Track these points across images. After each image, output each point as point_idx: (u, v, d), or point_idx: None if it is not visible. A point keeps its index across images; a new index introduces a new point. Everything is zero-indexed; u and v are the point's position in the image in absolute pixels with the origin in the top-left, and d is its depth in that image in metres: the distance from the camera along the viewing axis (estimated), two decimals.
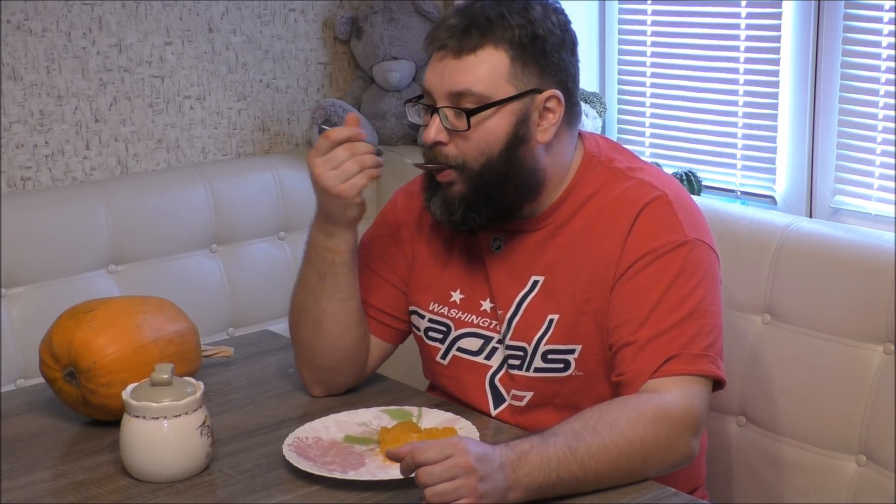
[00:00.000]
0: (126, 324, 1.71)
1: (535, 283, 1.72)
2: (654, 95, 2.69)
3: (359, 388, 1.88)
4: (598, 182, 1.72)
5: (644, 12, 2.67)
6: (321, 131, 1.72)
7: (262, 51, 2.83)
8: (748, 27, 2.45)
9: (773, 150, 2.43)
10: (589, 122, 2.61)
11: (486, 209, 1.68)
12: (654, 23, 2.66)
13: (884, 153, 2.23)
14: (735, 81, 2.49)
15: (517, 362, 1.73)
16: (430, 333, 1.82)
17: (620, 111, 2.77)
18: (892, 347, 1.83)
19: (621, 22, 2.73)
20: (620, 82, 2.76)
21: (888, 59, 2.19)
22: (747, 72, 2.46)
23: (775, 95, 2.40)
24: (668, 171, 2.45)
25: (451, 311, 1.79)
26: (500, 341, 1.75)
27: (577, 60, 1.71)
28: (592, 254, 1.68)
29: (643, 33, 2.69)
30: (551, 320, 1.70)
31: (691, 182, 2.48)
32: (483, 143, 1.65)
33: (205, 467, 1.60)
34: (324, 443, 1.64)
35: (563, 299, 1.69)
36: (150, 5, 2.64)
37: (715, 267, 1.69)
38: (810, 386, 1.92)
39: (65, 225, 2.40)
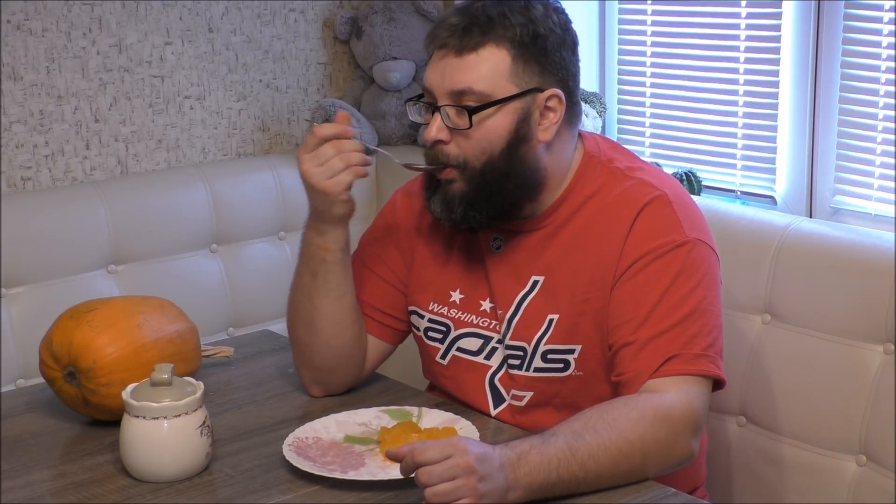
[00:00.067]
0: (126, 324, 1.71)
1: (535, 282, 1.72)
2: (654, 95, 2.69)
3: (359, 388, 1.88)
4: (597, 182, 1.72)
5: (644, 12, 2.67)
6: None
7: (262, 51, 2.83)
8: (748, 27, 2.45)
9: (773, 150, 2.43)
10: (589, 122, 2.61)
11: (488, 208, 1.68)
12: (654, 23, 2.66)
13: (884, 153, 2.23)
14: (735, 81, 2.49)
15: (517, 362, 1.73)
16: (430, 333, 1.82)
17: (620, 111, 2.77)
18: (892, 347, 1.83)
19: (621, 22, 2.73)
20: (620, 82, 2.76)
21: (888, 59, 2.19)
22: (747, 72, 2.46)
23: (775, 95, 2.40)
24: (668, 171, 2.45)
25: (451, 311, 1.80)
26: (500, 341, 1.75)
27: (577, 60, 1.71)
28: (592, 254, 1.68)
29: (643, 33, 2.69)
30: (551, 320, 1.70)
31: (691, 182, 2.48)
32: (485, 141, 1.65)
33: (205, 467, 1.60)
34: (324, 443, 1.64)
35: (563, 299, 1.69)
36: (150, 5, 2.64)
37: (715, 267, 1.69)
38: (810, 386, 1.92)
39: (65, 225, 2.40)
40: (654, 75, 2.68)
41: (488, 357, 1.77)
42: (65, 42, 2.54)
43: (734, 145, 2.52)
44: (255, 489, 1.55)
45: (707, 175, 2.54)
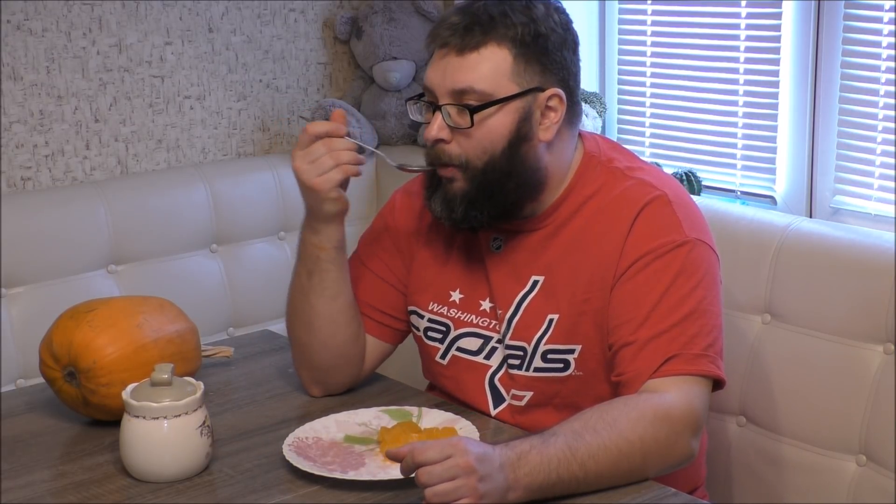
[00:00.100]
0: (126, 324, 1.71)
1: (535, 282, 1.72)
2: (654, 95, 2.69)
3: (359, 388, 1.88)
4: (597, 182, 1.72)
5: (644, 12, 2.67)
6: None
7: (262, 51, 2.83)
8: (748, 27, 2.45)
9: (773, 150, 2.43)
10: (589, 122, 2.61)
11: (489, 207, 1.68)
12: (654, 23, 2.66)
13: (884, 153, 2.23)
14: (735, 81, 2.49)
15: (517, 362, 1.73)
16: (430, 333, 1.82)
17: (620, 111, 2.77)
18: (892, 347, 1.83)
19: (621, 22, 2.73)
20: (620, 82, 2.76)
21: (888, 59, 2.19)
22: (747, 72, 2.46)
23: (775, 95, 2.40)
24: (668, 171, 2.45)
25: (451, 311, 1.79)
26: (500, 341, 1.75)
27: (578, 59, 1.71)
28: (592, 254, 1.68)
29: (643, 33, 2.69)
30: (551, 320, 1.70)
31: (691, 182, 2.48)
32: (486, 140, 1.65)
33: (205, 467, 1.60)
34: (324, 443, 1.64)
35: (563, 299, 1.69)
36: (150, 5, 2.64)
37: (715, 267, 1.69)
38: (810, 386, 1.92)
39: (65, 225, 2.39)
40: (654, 75, 2.68)
41: (488, 357, 1.77)
42: (65, 42, 2.54)
43: (734, 145, 2.52)
44: (255, 489, 1.55)
45: (707, 175, 2.54)
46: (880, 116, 2.22)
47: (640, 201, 1.67)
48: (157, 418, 1.54)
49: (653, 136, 2.70)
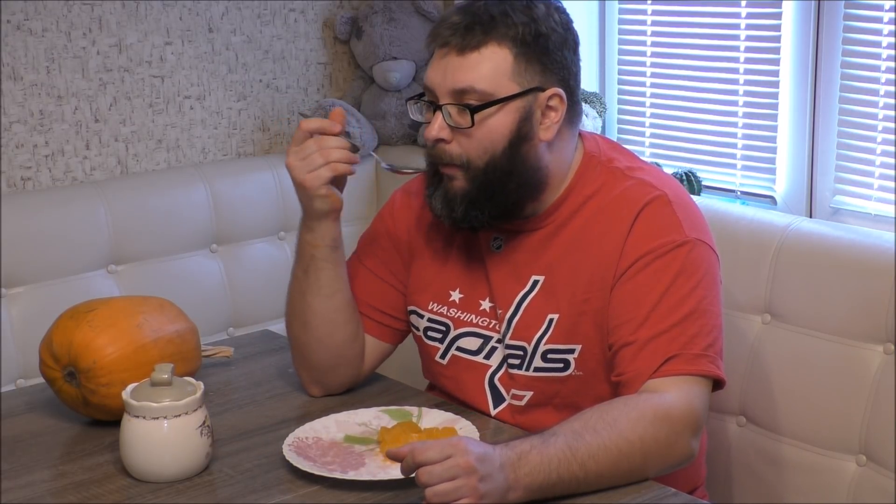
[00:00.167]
0: (126, 324, 1.71)
1: (536, 282, 1.72)
2: (654, 95, 2.69)
3: (358, 388, 1.88)
4: (598, 182, 1.72)
5: (644, 12, 2.67)
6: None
7: (262, 51, 2.83)
8: (748, 27, 2.45)
9: (773, 150, 2.43)
10: (589, 122, 2.61)
11: (490, 207, 1.68)
12: (654, 23, 2.66)
13: (884, 153, 2.23)
14: (735, 81, 2.49)
15: (517, 362, 1.73)
16: (430, 333, 1.82)
17: (620, 111, 2.77)
18: (892, 347, 1.83)
19: (621, 22, 2.73)
20: (620, 82, 2.76)
21: (888, 59, 2.19)
22: (747, 72, 2.46)
23: (775, 95, 2.40)
24: (668, 171, 2.45)
25: (451, 311, 1.79)
26: (500, 341, 1.75)
27: (578, 59, 1.71)
28: (592, 253, 1.68)
29: (643, 33, 2.69)
30: (551, 320, 1.70)
31: (691, 182, 2.48)
32: (487, 140, 1.65)
33: (205, 467, 1.60)
34: (324, 443, 1.64)
35: (563, 299, 1.69)
36: (150, 5, 2.64)
37: (715, 267, 1.69)
38: (810, 386, 1.92)
39: (65, 225, 2.39)
40: (654, 75, 2.68)
41: (488, 357, 1.76)
42: (65, 42, 2.54)
43: (734, 145, 2.52)
44: (255, 489, 1.55)
45: (707, 175, 2.54)
46: (880, 116, 2.22)
47: (640, 201, 1.67)
48: (157, 418, 1.54)
49: (653, 136, 2.70)
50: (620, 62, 2.75)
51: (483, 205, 1.68)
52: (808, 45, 2.32)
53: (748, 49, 2.45)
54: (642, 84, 2.71)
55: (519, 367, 1.73)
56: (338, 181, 1.73)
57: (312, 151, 1.68)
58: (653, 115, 2.70)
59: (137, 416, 1.55)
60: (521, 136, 1.65)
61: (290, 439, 1.63)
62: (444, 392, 1.84)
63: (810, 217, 2.31)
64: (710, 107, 2.56)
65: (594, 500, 1.49)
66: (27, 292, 2.36)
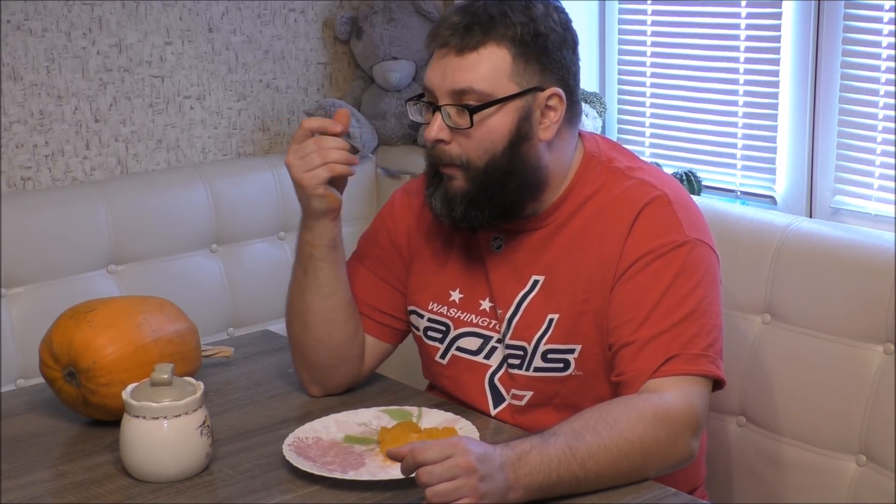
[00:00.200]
0: (126, 324, 1.71)
1: (536, 282, 1.72)
2: (654, 95, 2.68)
3: (358, 388, 1.88)
4: (598, 182, 1.72)
5: (644, 12, 2.67)
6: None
7: (262, 51, 2.83)
8: (748, 27, 2.45)
9: (773, 150, 2.43)
10: (589, 122, 2.61)
11: (490, 207, 1.68)
12: (654, 23, 2.66)
13: (884, 153, 2.23)
14: (735, 81, 2.49)
15: (517, 362, 1.73)
16: (430, 333, 1.82)
17: (620, 111, 2.77)
18: (892, 347, 1.83)
19: (621, 22, 2.73)
20: (620, 82, 2.76)
21: (888, 59, 2.19)
22: (747, 72, 2.46)
23: (775, 95, 2.40)
24: (668, 171, 2.45)
25: (451, 311, 1.79)
26: (500, 341, 1.75)
27: (577, 59, 1.71)
28: (592, 253, 1.68)
29: (643, 33, 2.69)
30: (551, 320, 1.70)
31: (691, 182, 2.48)
32: (486, 140, 1.65)
33: (205, 467, 1.60)
34: (324, 443, 1.64)
35: (563, 299, 1.69)
36: (150, 5, 2.64)
37: (715, 267, 1.69)
38: (810, 386, 1.92)
39: (65, 225, 2.39)
40: (654, 75, 2.68)
41: (488, 356, 1.76)
42: (65, 42, 2.54)
43: (734, 145, 2.52)
44: (255, 489, 1.55)
45: (707, 175, 2.54)
46: (880, 116, 2.22)
47: (640, 201, 1.67)
48: (157, 418, 1.54)
49: (653, 136, 2.70)
50: (620, 62, 2.75)
51: (483, 205, 1.68)
52: (808, 45, 2.32)
53: (748, 49, 2.45)
54: (642, 84, 2.71)
55: (519, 367, 1.73)
56: (337, 181, 1.73)
57: (311, 151, 1.68)
58: (653, 115, 2.69)
59: (137, 416, 1.55)
60: (521, 136, 1.65)
61: (290, 439, 1.63)
62: (444, 392, 1.84)
63: (810, 217, 2.31)
64: (710, 107, 2.55)
65: (594, 500, 1.49)
66: (27, 292, 2.36)
